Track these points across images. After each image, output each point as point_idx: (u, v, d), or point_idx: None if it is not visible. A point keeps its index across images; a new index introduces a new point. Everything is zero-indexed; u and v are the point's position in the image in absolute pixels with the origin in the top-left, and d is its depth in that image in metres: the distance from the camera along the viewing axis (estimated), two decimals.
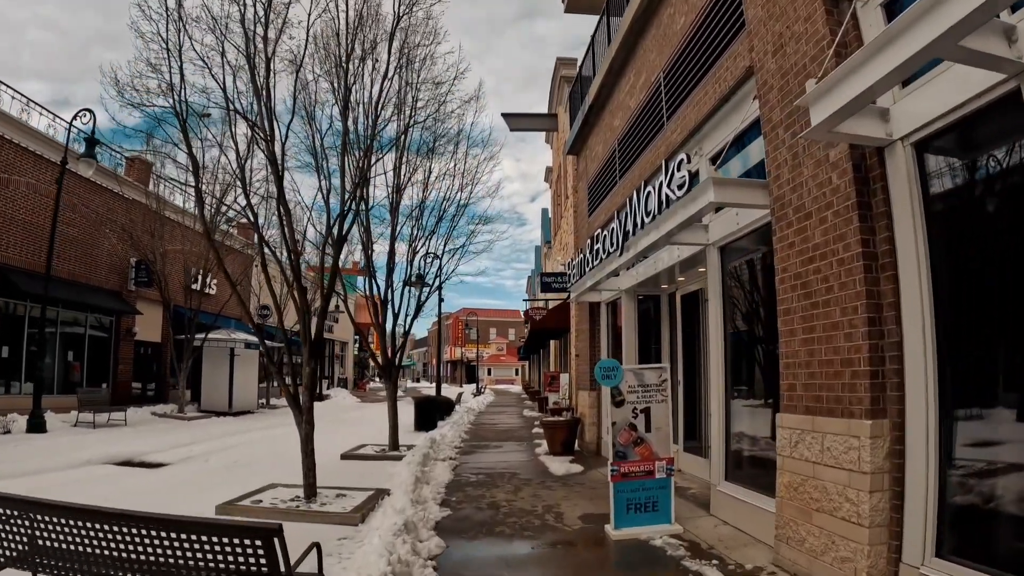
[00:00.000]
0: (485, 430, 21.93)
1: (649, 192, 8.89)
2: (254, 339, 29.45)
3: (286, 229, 9.91)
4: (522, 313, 51.86)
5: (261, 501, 9.16)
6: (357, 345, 62.56)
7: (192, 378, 27.95)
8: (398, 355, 16.52)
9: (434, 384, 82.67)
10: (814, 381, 6.26)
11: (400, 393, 53.79)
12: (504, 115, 24.07)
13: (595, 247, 12.03)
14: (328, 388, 47.53)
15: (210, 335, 27.21)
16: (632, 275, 12.85)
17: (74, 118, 19.55)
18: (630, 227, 9.57)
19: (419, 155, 16.16)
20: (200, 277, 27.55)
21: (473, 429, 22.08)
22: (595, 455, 14.99)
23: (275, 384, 37.97)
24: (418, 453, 13.16)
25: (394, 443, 15.39)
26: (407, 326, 16.84)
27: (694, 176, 7.80)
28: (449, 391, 48.22)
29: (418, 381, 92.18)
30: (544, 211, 41.13)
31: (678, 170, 7.84)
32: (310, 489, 9.50)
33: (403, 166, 15.72)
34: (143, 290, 27.42)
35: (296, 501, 9.24)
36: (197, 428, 21.34)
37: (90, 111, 19.19)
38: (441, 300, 27.97)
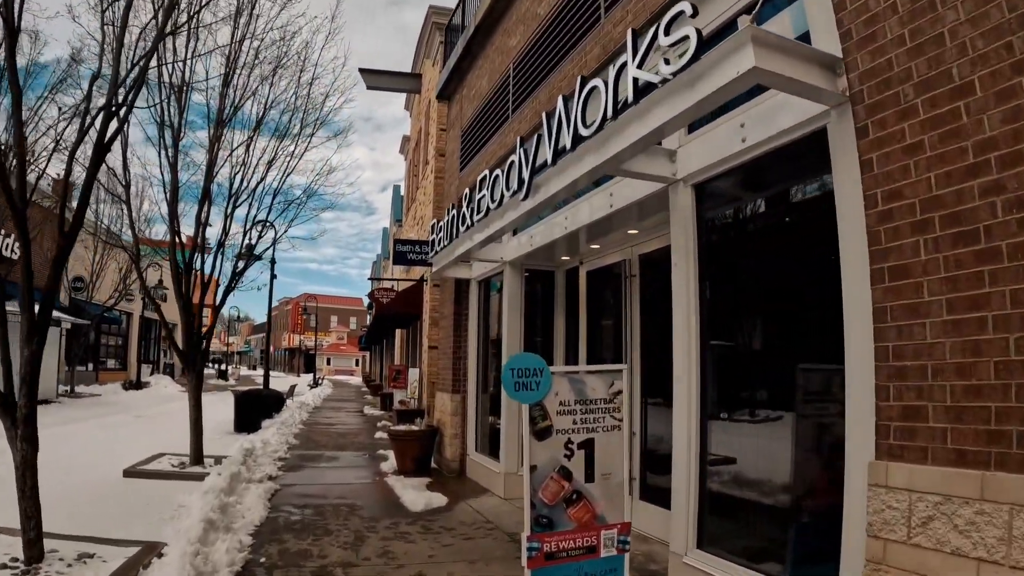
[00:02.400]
0: (319, 433, 18.12)
1: (593, 90, 5.54)
2: (56, 315, 24.54)
3: None
4: (366, 297, 48.07)
5: None
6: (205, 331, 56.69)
7: None
8: (204, 339, 12.56)
9: (276, 374, 78.06)
10: (980, 404, 3.21)
11: (232, 383, 49.49)
12: (362, 70, 20.34)
13: (474, 199, 8.65)
14: (152, 374, 42.11)
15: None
16: (520, 243, 9.75)
17: None
18: (548, 155, 6.22)
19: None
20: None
21: (305, 431, 18.24)
22: (458, 477, 11.66)
23: (89, 367, 32.73)
24: (226, 471, 9.56)
25: (197, 454, 11.49)
26: (218, 301, 12.89)
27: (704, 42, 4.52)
28: (284, 381, 43.97)
29: (254, 369, 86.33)
30: (396, 188, 37.49)
31: (667, 33, 4.50)
32: (31, 549, 5.75)
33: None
34: None
35: None
36: None
37: None
38: (274, 276, 23.60)
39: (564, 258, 9.95)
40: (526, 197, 6.83)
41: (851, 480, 3.95)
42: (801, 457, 5.01)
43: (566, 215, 8.14)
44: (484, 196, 8.08)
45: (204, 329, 12.62)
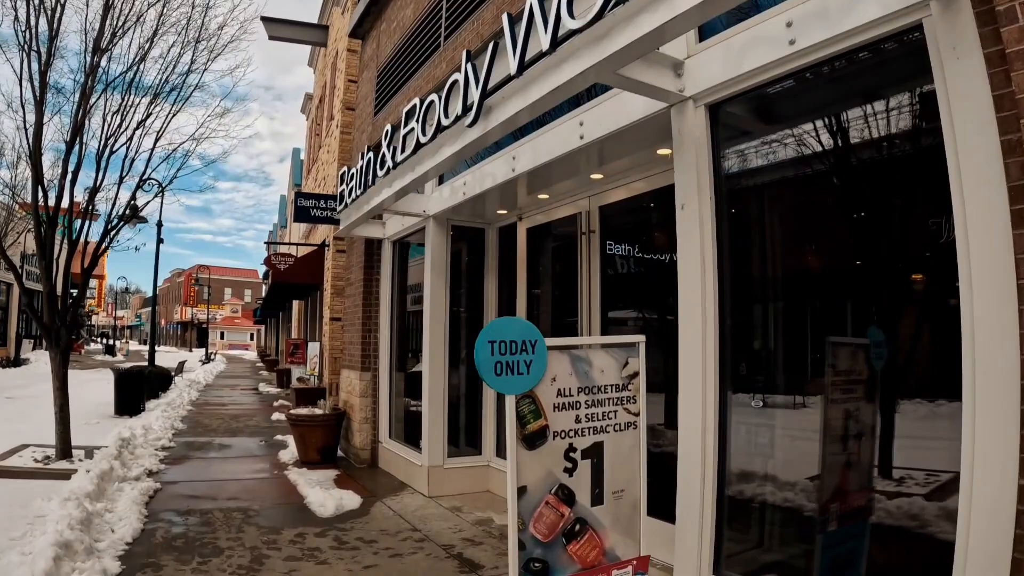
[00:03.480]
0: (210, 415, 16.15)
1: None
2: None
3: None
4: (261, 265, 45.41)
5: None
6: (72, 300, 52.89)
7: None
8: (71, 309, 10.60)
9: (167, 349, 74.40)
10: None
11: (120, 358, 46.22)
12: (264, 18, 18.32)
13: (398, 137, 7.08)
14: (33, 350, 38.65)
15: None
16: (447, 193, 8.41)
17: None
18: (512, 65, 4.72)
19: None
20: None
21: (194, 414, 16.26)
22: (370, 468, 10.10)
23: None
24: (96, 469, 7.95)
25: (65, 447, 9.52)
26: (86, 263, 10.85)
27: None
28: (175, 357, 41.25)
29: (145, 344, 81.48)
30: (295, 151, 35.20)
31: None
32: None
33: None
34: None
35: None
36: None
37: None
38: (160, 241, 21.27)
39: (500, 212, 8.50)
40: (474, 122, 5.32)
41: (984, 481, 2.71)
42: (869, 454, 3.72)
43: (513, 155, 6.66)
44: (412, 130, 6.51)
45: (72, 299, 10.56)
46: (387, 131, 7.40)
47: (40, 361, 32.27)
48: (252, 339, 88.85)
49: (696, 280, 4.32)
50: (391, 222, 10.08)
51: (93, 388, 17.91)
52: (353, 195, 8.76)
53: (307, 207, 11.52)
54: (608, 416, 3.47)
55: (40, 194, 9.62)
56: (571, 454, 3.29)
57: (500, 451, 8.62)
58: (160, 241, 20.84)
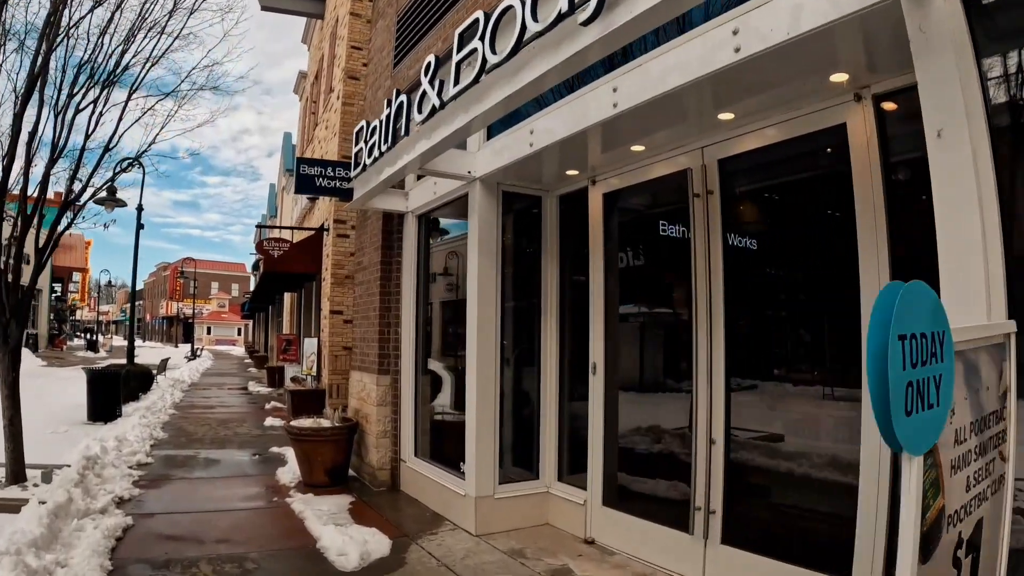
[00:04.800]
0: (195, 420, 14.23)
1: None
2: None
3: None
4: (250, 255, 43.36)
5: None
6: (55, 295, 51.51)
7: None
8: (22, 299, 8.64)
9: (152, 345, 72.08)
10: None
11: (103, 354, 44.07)
12: None
13: (443, 70, 5.34)
14: None
15: None
16: (501, 148, 6.61)
17: None
18: None
19: None
20: None
21: (177, 419, 14.36)
22: (390, 492, 8.35)
23: None
24: (52, 499, 6.28)
25: (16, 469, 7.68)
26: (42, 241, 8.85)
27: None
28: (159, 353, 39.26)
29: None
30: (287, 135, 33.33)
31: None
32: None
33: None
34: None
35: None
36: None
37: None
38: (141, 226, 19.20)
39: (570, 172, 6.72)
40: (593, 18, 3.61)
41: None
42: None
43: (614, 84, 4.88)
44: (475, 52, 4.77)
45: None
46: (428, 64, 5.66)
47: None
48: (239, 334, 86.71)
49: (970, 245, 2.59)
50: (416, 192, 8.32)
51: (70, 388, 16.04)
52: (375, 153, 7.01)
53: (311, 176, 9.58)
54: (989, 470, 1.77)
55: None
56: (957, 553, 1.58)
57: (563, 474, 6.97)
58: (140, 227, 18.87)
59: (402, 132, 6.36)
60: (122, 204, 16.90)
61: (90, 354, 43.87)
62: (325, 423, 8.69)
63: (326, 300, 13.90)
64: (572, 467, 6.95)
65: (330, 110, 15.90)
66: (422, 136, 5.98)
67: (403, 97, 6.37)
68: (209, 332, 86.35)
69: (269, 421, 13.94)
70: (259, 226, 27.42)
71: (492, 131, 6.94)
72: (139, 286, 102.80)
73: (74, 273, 58.06)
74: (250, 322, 62.11)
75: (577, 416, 6.95)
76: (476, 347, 6.75)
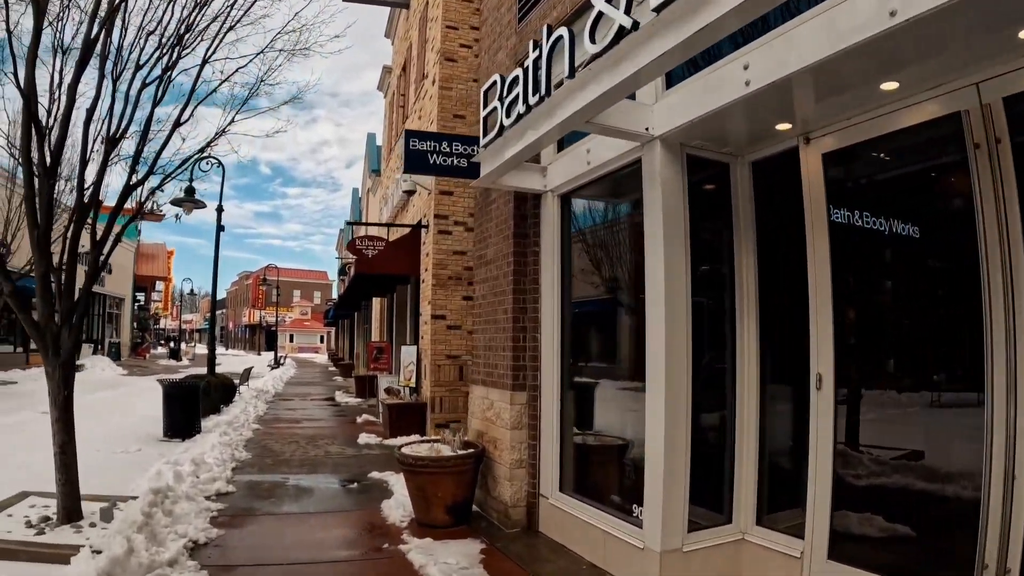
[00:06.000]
0: (280, 438, 12.78)
1: None
2: None
3: None
4: (336, 260, 42.30)
5: None
6: (138, 304, 51.62)
7: None
8: (76, 303, 7.11)
9: (235, 353, 72.08)
10: None
11: (186, 363, 43.53)
12: None
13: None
14: (94, 354, 36.13)
15: None
16: (689, 95, 4.97)
17: None
18: None
19: None
20: None
21: (261, 436, 12.96)
22: (526, 534, 6.71)
23: (18, 349, 27.04)
24: (109, 550, 5.05)
25: (69, 505, 6.26)
26: (105, 239, 7.29)
27: None
28: (242, 361, 38.54)
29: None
30: (371, 136, 32.15)
31: None
32: None
33: None
34: None
35: None
36: None
37: None
38: (221, 228, 17.80)
39: (781, 127, 4.98)
40: None
41: None
42: None
43: None
44: None
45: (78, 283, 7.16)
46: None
47: (95, 367, 29.61)
48: (322, 342, 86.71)
49: None
50: (558, 167, 6.70)
51: (150, 398, 14.88)
52: (518, 109, 5.43)
53: (423, 152, 7.92)
54: None
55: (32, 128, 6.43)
56: None
57: (762, 516, 5.24)
58: (220, 228, 17.63)
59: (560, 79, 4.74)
60: (201, 205, 15.78)
61: (173, 362, 43.60)
62: (445, 449, 7.06)
63: (427, 304, 12.45)
64: (772, 505, 5.26)
65: (423, 98, 14.51)
66: (597, 75, 4.36)
67: (562, 31, 4.76)
68: (292, 340, 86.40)
69: (363, 438, 12.43)
70: (350, 223, 26.12)
71: (671, 78, 5.29)
72: (222, 295, 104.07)
73: (157, 282, 58.51)
74: (333, 329, 61.58)
75: (779, 439, 5.32)
76: (664, 358, 5.00)
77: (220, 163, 16.85)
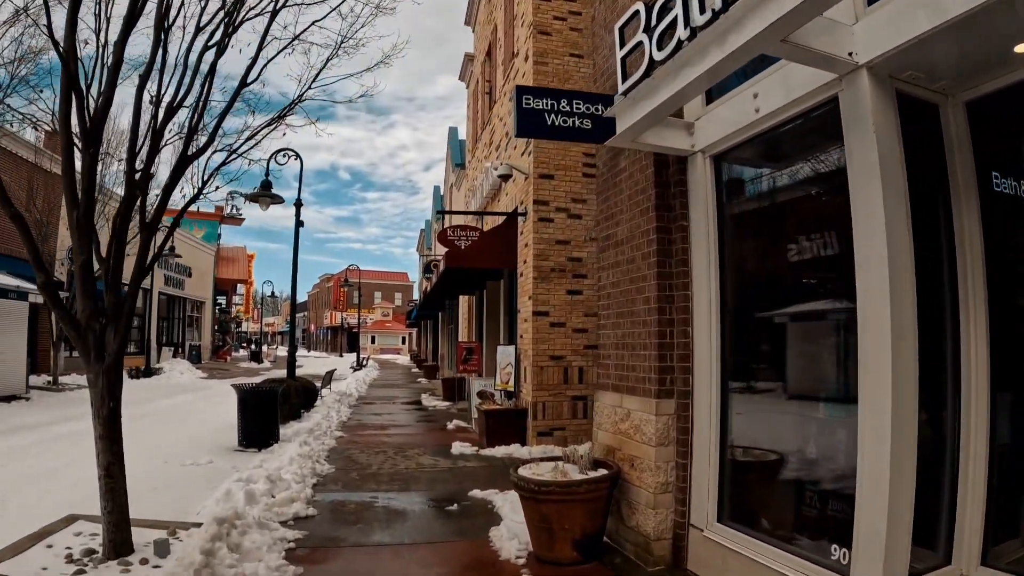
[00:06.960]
0: (366, 449, 11.55)
1: None
2: (23, 285, 18.56)
3: None
4: (420, 253, 41.33)
5: None
6: (219, 307, 51.91)
7: None
8: (124, 301, 5.90)
9: (316, 355, 72.09)
10: None
11: (267, 365, 43.26)
12: None
13: None
14: (175, 357, 36.01)
15: None
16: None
17: None
18: None
19: None
20: None
21: (345, 445, 11.81)
22: (671, 574, 5.36)
23: (73, 353, 26.68)
24: None
25: (117, 537, 5.12)
26: (156, 222, 6.01)
27: None
28: (324, 363, 37.95)
29: (296, 348, 79.21)
30: (453, 130, 31.21)
31: None
32: None
33: None
34: None
35: None
36: None
37: None
38: (300, 224, 16.76)
39: (1019, 49, 3.57)
40: None
41: None
42: None
43: None
44: None
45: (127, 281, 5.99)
46: None
47: (173, 371, 29.26)
48: (404, 343, 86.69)
49: None
50: (709, 121, 5.37)
51: (227, 403, 13.95)
52: (676, 36, 4.17)
53: (538, 111, 6.49)
54: None
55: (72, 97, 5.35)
56: None
57: (987, 553, 3.90)
58: (300, 224, 16.69)
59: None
60: (279, 200, 14.97)
61: (254, 365, 43.56)
62: (572, 470, 5.73)
63: (527, 299, 11.19)
64: (997, 538, 3.92)
65: (513, 79, 13.32)
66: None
67: None
68: (373, 341, 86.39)
69: (457, 447, 11.20)
70: (441, 212, 25.02)
71: None
72: (303, 298, 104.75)
73: (238, 285, 58.96)
74: (414, 331, 61.04)
75: (1006, 456, 3.98)
76: (891, 369, 3.61)
77: (298, 155, 16.07)
